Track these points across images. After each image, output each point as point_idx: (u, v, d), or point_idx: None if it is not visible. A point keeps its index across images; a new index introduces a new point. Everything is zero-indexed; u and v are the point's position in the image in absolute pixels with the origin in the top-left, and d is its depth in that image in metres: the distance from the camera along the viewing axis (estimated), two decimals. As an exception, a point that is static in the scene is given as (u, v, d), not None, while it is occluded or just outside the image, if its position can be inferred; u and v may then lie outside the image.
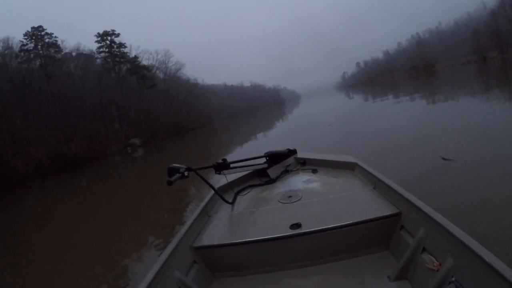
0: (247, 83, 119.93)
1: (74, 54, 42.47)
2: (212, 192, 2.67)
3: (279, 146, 3.59)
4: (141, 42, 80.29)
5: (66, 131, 34.11)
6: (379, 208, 1.93)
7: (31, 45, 37.77)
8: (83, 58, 43.27)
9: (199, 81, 67.61)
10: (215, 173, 2.79)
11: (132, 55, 46.77)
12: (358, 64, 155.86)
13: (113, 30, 44.97)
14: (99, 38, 44.05)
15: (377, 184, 2.24)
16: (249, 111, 76.55)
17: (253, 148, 12.36)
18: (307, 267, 1.90)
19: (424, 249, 1.57)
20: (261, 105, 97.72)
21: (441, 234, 1.46)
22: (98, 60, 44.09)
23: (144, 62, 49.25)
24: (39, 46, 37.93)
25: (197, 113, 54.66)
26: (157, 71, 52.53)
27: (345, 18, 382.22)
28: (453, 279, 1.30)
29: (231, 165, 2.86)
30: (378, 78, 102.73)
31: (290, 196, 2.46)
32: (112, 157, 31.77)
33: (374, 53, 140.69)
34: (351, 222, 1.85)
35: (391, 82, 66.74)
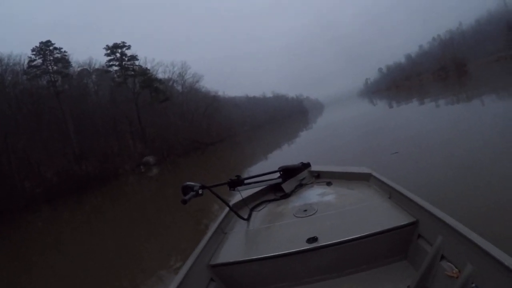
0: (269, 94, 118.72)
1: (89, 69, 40.55)
2: (227, 209, 2.65)
3: (301, 158, 3.61)
4: (159, 58, 79.03)
5: (78, 149, 32.13)
6: (395, 218, 1.95)
7: (39, 61, 35.88)
8: (95, 73, 41.16)
9: (220, 93, 65.76)
10: (230, 189, 2.76)
11: (148, 68, 44.27)
12: (380, 70, 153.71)
13: (123, 42, 42.44)
14: (108, 51, 41.44)
15: (392, 194, 2.24)
16: (272, 122, 76.08)
17: (275, 161, 11.63)
18: (325, 280, 1.91)
19: (442, 257, 1.57)
20: (284, 115, 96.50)
21: (459, 241, 1.46)
22: (111, 75, 41.60)
23: (160, 75, 46.82)
24: (48, 62, 35.89)
25: (217, 126, 51.85)
26: (174, 84, 49.89)
27: (365, 25, 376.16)
28: (474, 285, 1.30)
29: (245, 181, 2.86)
30: (404, 82, 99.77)
31: (305, 210, 2.45)
32: (125, 177, 29.48)
33: (396, 58, 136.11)
34: (367, 233, 1.85)
35: (418, 85, 64.66)
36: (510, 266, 1.13)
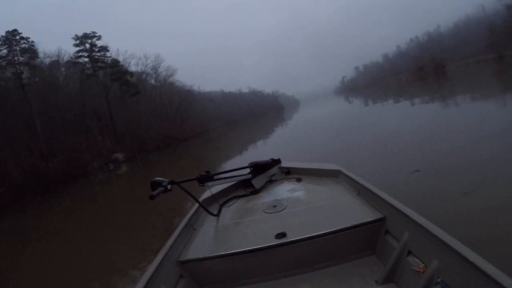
0: (245, 90, 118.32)
1: (59, 61, 38.82)
2: (197, 205, 2.64)
3: (275, 154, 3.67)
4: (133, 50, 76.87)
5: (46, 146, 30.42)
6: (363, 214, 1.98)
7: (4, 51, 34.02)
8: (65, 65, 39.51)
9: (195, 88, 64.85)
10: (199, 185, 2.72)
11: (120, 60, 42.84)
12: (357, 68, 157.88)
13: (93, 32, 40.65)
14: (77, 41, 39.61)
15: (360, 191, 2.28)
16: (248, 118, 76.12)
17: (248, 157, 10.83)
18: (294, 275, 1.92)
19: (409, 252, 1.60)
20: (260, 111, 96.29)
21: (425, 236, 1.49)
22: (80, 66, 39.82)
23: (133, 67, 45.46)
24: (13, 52, 34.13)
25: (191, 121, 51.16)
26: (148, 78, 48.74)
27: (343, 23, 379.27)
28: (439, 280, 1.33)
29: (215, 177, 2.83)
30: (382, 80, 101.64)
31: (275, 206, 2.48)
32: (94, 175, 28.36)
33: (373, 58, 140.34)
34: (336, 229, 1.89)
35: (396, 84, 66.13)
36: (474, 261, 1.17)
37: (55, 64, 38.56)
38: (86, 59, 40.38)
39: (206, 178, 2.73)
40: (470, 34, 71.81)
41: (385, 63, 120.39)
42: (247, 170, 3.25)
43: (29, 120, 31.83)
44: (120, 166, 30.47)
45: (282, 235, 1.93)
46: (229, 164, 12.61)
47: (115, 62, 41.56)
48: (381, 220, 1.89)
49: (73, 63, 39.23)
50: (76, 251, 6.77)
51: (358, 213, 2.01)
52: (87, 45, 40.32)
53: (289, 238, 1.89)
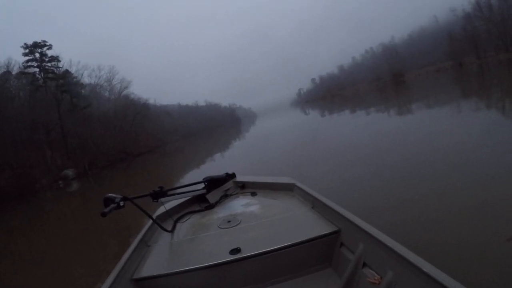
0: (202, 103, 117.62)
1: (10, 71, 36.56)
2: (151, 221, 2.61)
3: (230, 168, 3.76)
4: (86, 61, 74.18)
5: None
6: (318, 227, 2.00)
7: None
8: (15, 76, 37.40)
9: (151, 101, 63.78)
10: (153, 201, 2.73)
11: (73, 71, 41.39)
12: (313, 80, 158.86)
13: (44, 41, 39.02)
14: (27, 50, 37.86)
15: (315, 204, 2.32)
16: (205, 131, 75.11)
17: (203, 172, 11.34)
18: None
19: (364, 264, 1.61)
20: (217, 124, 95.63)
21: (379, 248, 1.51)
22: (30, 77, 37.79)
23: (86, 79, 44.20)
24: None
25: (146, 135, 50.04)
26: (101, 90, 47.50)
27: (302, 36, 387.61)
28: None
29: (169, 193, 2.86)
30: (339, 91, 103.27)
31: (229, 221, 2.47)
32: (43, 193, 26.80)
33: (329, 69, 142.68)
34: (291, 243, 1.89)
35: (353, 95, 67.19)
36: (428, 272, 1.18)
37: (6, 74, 36.48)
38: (36, 69, 38.76)
39: (160, 194, 2.73)
40: (425, 44, 74.51)
41: (341, 74, 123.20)
42: (202, 185, 3.24)
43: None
44: (71, 183, 29.23)
45: (236, 250, 1.92)
46: (185, 179, 12.59)
47: (65, 73, 40.09)
48: (336, 233, 1.91)
49: (21, 73, 37.39)
50: (26, 272, 6.58)
51: (313, 226, 2.03)
52: (37, 55, 38.76)
53: (244, 254, 1.89)
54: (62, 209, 17.27)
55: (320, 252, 1.94)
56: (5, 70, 36.05)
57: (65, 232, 10.05)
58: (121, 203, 2.14)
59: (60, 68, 40.24)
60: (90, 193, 20.82)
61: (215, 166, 14.83)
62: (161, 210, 2.90)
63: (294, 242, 1.88)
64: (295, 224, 2.15)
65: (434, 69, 61.54)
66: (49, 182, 29.61)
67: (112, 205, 2.06)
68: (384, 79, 75.75)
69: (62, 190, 26.49)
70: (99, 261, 6.03)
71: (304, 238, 1.89)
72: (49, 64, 39.54)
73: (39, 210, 19.01)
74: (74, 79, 41.26)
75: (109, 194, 2.16)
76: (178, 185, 3.02)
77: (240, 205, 2.87)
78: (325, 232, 1.92)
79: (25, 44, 38.31)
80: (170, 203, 2.95)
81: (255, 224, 2.30)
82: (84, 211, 13.72)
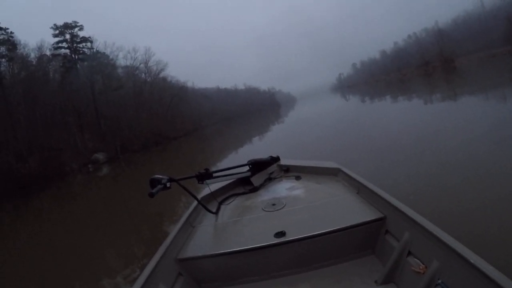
0: (241, 86, 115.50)
1: (48, 55, 35.60)
2: (196, 202, 2.61)
3: (272, 152, 3.58)
4: (123, 43, 73.77)
5: (25, 144, 27.54)
6: (363, 213, 1.94)
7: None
8: (48, 58, 36.40)
9: (189, 84, 62.21)
10: (198, 183, 2.68)
11: (107, 53, 39.83)
12: (354, 65, 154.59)
13: (75, 22, 37.36)
14: (57, 31, 36.37)
15: (360, 189, 2.26)
16: (244, 115, 74.37)
17: (245, 155, 10.11)
18: (293, 275, 1.90)
19: (409, 253, 1.58)
20: (256, 108, 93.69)
21: (425, 237, 1.47)
22: (61, 59, 36.69)
23: (121, 61, 42.45)
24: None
25: (183, 118, 48.21)
26: (137, 72, 45.87)
27: (339, 20, 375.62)
28: (440, 281, 1.31)
29: (214, 175, 2.80)
30: (384, 77, 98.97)
31: (274, 204, 2.45)
32: (72, 177, 25.70)
33: (370, 54, 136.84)
34: (335, 228, 1.85)
35: (399, 81, 63.32)
36: (475, 263, 1.14)
37: (45, 58, 35.39)
38: (67, 51, 37.31)
39: (205, 176, 2.62)
40: (472, 29, 69.91)
41: (383, 60, 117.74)
42: (246, 168, 3.14)
43: (7, 117, 29.04)
44: (101, 167, 27.85)
45: (281, 234, 1.88)
46: (224, 163, 12.55)
47: (96, 54, 38.43)
48: (381, 220, 1.84)
49: (52, 55, 36.09)
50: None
51: (358, 212, 1.96)
52: (68, 36, 37.25)
53: (288, 237, 1.84)
54: (101, 192, 16.17)
55: (364, 238, 1.89)
56: (41, 54, 34.93)
57: (110, 214, 9.49)
58: (168, 184, 2.09)
59: (93, 50, 38.84)
60: (122, 178, 20.09)
61: (254, 150, 14.58)
62: (206, 191, 2.83)
63: (339, 227, 1.84)
64: (340, 209, 2.09)
65: (488, 54, 55.43)
66: (78, 165, 28.35)
67: (159, 186, 2.03)
68: (433, 63, 70.38)
69: (93, 173, 25.52)
70: (140, 244, 5.99)
71: (348, 224, 1.84)
72: (80, 46, 38.18)
73: (67, 194, 18.25)
74: (111, 61, 39.83)
75: (156, 175, 2.12)
76: (221, 167, 2.97)
77: (284, 188, 2.82)
78: (370, 219, 1.86)
79: (54, 25, 37.03)
80: (215, 185, 2.89)
81: (299, 208, 2.27)
82: (121, 195, 12.88)
